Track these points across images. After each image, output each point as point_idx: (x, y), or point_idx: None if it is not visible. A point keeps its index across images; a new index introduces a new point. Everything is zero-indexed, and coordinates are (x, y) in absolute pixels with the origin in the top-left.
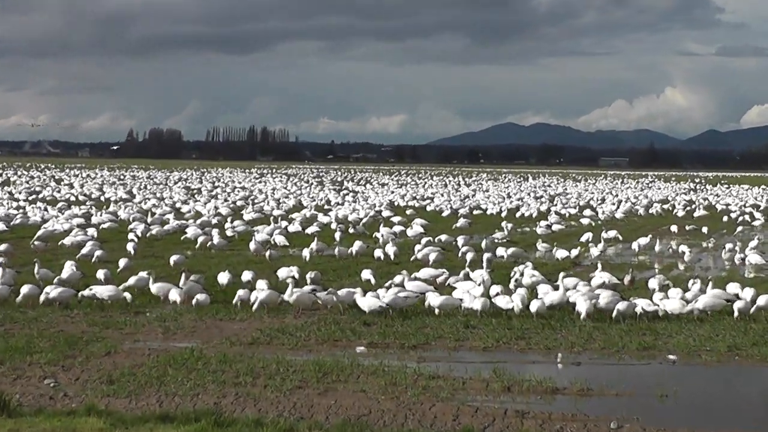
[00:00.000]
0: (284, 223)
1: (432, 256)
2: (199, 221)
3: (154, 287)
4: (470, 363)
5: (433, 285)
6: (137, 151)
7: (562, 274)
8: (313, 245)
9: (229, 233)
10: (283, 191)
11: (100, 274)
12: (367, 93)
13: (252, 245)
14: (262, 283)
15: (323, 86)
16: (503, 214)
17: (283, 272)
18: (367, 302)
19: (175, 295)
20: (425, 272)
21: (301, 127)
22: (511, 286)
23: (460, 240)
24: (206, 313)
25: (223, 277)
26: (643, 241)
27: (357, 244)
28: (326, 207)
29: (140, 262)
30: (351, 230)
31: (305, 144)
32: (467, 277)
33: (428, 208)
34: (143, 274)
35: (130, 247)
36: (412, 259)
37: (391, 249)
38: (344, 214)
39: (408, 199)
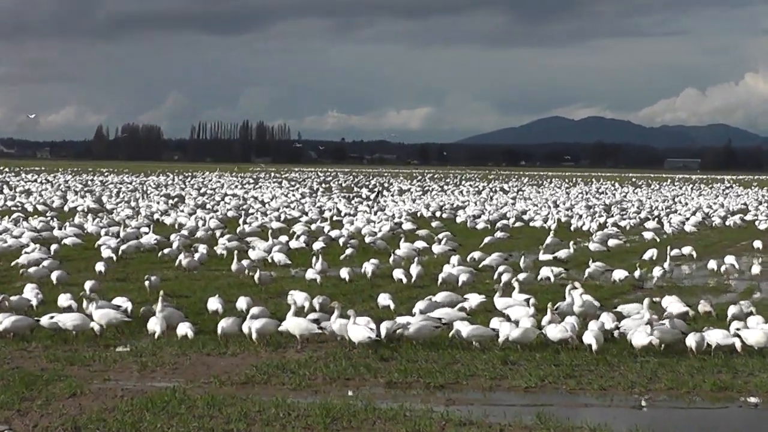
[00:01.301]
0: (284, 238)
1: (462, 278)
2: (175, 236)
3: (97, 314)
4: (509, 406)
5: (465, 311)
6: (108, 151)
7: (647, 301)
8: (317, 265)
9: (219, 250)
10: (283, 199)
11: (64, 299)
12: (384, 81)
13: (234, 265)
14: (258, 311)
15: (331, 73)
16: (553, 227)
17: (300, 297)
18: (356, 333)
19: (155, 326)
20: (442, 296)
21: (304, 123)
22: (553, 313)
23: (492, 258)
24: (190, 346)
25: (214, 303)
26: (728, 259)
27: (370, 264)
28: (335, 218)
29: (111, 285)
30: (372, 243)
31: (310, 142)
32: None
33: (458, 220)
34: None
35: (100, 266)
36: (439, 281)
37: (414, 269)
38: (357, 227)
39: (434, 208)
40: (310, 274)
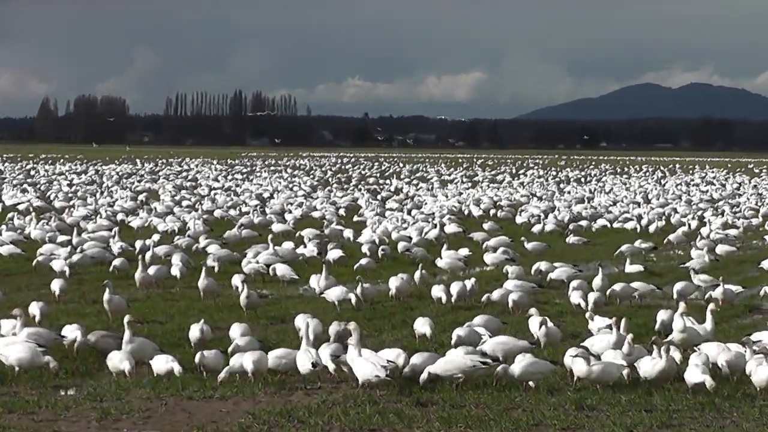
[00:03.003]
0: (289, 245)
1: (513, 297)
2: (141, 243)
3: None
4: None
5: (530, 341)
6: (56, 131)
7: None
8: (322, 279)
9: (210, 262)
10: (287, 194)
11: (6, 325)
12: (422, 39)
13: (202, 281)
14: (246, 341)
15: (350, 28)
16: (652, 228)
17: (300, 321)
18: (362, 368)
19: (120, 362)
20: (481, 319)
21: (316, 93)
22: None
23: (563, 270)
24: (167, 388)
25: (197, 332)
26: None
27: (396, 279)
28: (357, 218)
29: (62, 307)
30: (407, 251)
31: (323, 119)
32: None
33: (519, 220)
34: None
35: (55, 285)
36: (483, 299)
37: (455, 285)
38: (385, 230)
39: (486, 205)
40: (337, 292)
